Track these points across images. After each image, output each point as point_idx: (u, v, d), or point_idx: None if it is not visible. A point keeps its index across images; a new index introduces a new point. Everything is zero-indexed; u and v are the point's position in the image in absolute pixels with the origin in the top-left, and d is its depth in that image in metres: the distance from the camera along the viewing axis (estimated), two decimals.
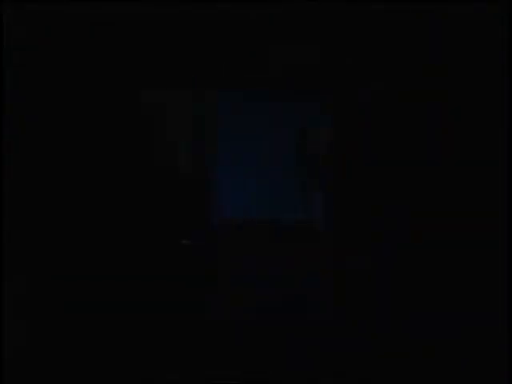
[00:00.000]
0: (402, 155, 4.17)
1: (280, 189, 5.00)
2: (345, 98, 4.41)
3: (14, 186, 3.13)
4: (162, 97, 4.29)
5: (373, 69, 4.26)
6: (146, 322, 2.43)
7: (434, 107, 3.86)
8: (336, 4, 3.87)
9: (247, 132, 4.93)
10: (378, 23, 4.07)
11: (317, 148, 4.76)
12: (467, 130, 3.59)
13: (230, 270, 3.48)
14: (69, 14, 3.56)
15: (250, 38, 4.14)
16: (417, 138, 4.07)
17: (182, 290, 2.99)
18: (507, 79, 3.08)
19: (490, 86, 3.37)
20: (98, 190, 3.77)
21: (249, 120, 4.93)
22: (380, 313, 2.54)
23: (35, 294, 2.72)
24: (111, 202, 3.84)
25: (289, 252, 4.14)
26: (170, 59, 4.03)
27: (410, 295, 2.87)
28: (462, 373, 1.85)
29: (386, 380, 1.81)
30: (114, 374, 1.85)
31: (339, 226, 4.60)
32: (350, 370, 1.88)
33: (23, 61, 3.34)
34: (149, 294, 2.89)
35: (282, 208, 5.00)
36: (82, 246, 3.45)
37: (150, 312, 2.57)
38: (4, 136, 2.96)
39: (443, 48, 3.73)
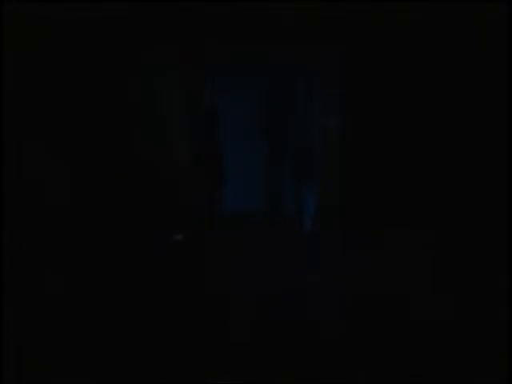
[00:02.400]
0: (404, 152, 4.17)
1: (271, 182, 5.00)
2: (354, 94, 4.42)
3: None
4: (154, 91, 4.28)
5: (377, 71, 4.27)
6: (142, 320, 2.43)
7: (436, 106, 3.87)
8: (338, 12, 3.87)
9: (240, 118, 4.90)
10: (379, 24, 4.08)
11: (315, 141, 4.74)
12: (471, 128, 3.59)
13: (221, 266, 3.48)
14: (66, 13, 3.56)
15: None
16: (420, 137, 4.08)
17: (177, 286, 2.99)
18: (508, 79, 3.08)
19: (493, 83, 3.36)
20: (94, 184, 3.77)
21: (242, 108, 4.90)
22: (375, 309, 2.54)
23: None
24: (105, 196, 3.84)
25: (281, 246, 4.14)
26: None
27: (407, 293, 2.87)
28: (460, 371, 1.85)
29: (386, 377, 1.81)
30: (113, 374, 1.85)
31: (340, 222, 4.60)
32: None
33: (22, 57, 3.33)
34: (146, 290, 2.89)
35: (273, 201, 5.00)
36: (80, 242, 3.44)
37: (147, 309, 2.57)
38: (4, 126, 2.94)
39: (447, 46, 3.73)
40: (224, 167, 4.61)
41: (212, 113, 4.45)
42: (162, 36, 4.01)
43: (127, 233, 3.85)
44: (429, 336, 2.19)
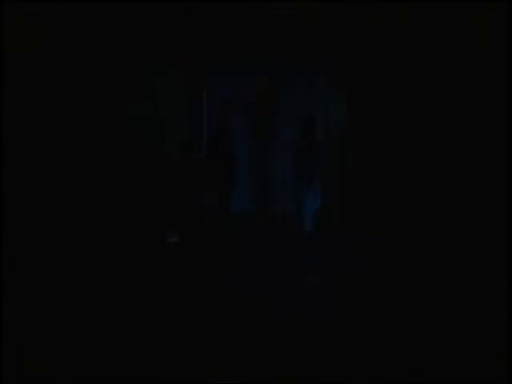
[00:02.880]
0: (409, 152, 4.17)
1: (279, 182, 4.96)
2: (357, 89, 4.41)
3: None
4: (151, 90, 4.27)
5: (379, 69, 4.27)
6: (142, 319, 2.43)
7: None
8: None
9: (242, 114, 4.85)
10: (381, 25, 4.08)
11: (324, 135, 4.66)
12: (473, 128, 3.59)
13: (222, 265, 3.48)
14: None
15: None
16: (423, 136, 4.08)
17: (176, 286, 2.99)
18: (508, 79, 3.08)
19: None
20: (92, 184, 3.77)
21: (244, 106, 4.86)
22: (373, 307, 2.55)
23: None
24: (102, 196, 3.83)
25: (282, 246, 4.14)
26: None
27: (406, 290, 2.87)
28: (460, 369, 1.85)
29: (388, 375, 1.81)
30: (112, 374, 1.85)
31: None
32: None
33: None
34: (146, 290, 2.89)
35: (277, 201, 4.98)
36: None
37: (147, 309, 2.57)
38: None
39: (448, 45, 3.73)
40: (235, 168, 4.59)
41: (224, 114, 4.44)
42: (162, 36, 4.01)
43: (127, 233, 3.85)
44: (429, 336, 2.19)
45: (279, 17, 4.01)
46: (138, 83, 4.03)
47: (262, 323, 2.40)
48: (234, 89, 4.66)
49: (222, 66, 4.44)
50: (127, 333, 2.28)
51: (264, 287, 3.04)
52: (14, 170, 3.14)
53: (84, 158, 3.65)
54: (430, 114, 3.88)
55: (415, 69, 3.94)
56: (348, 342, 2.15)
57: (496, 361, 1.95)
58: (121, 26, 3.82)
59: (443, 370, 1.87)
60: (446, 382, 1.79)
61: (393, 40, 4.04)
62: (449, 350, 2.07)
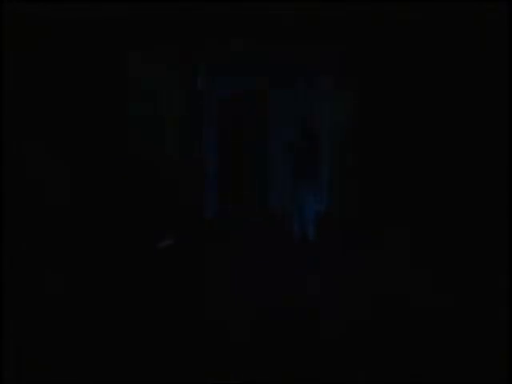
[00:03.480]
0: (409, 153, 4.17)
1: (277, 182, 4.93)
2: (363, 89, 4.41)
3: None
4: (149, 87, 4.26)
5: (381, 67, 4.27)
6: (142, 319, 2.43)
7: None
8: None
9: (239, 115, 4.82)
10: (382, 25, 4.08)
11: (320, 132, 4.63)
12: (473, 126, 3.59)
13: (222, 266, 3.49)
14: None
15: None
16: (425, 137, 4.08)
17: (176, 290, 3.00)
18: (508, 79, 3.08)
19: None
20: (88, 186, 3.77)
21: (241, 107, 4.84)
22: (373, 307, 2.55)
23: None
24: (98, 198, 3.83)
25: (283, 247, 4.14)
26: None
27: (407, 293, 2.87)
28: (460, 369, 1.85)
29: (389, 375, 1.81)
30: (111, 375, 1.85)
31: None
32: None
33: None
34: (146, 290, 2.89)
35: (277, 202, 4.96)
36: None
37: (147, 309, 2.57)
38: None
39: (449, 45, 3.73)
40: (235, 168, 4.59)
41: (224, 114, 4.43)
42: (162, 36, 4.01)
43: (127, 233, 3.85)
44: (429, 336, 2.19)
45: (279, 17, 4.00)
46: (138, 83, 4.03)
47: (261, 323, 2.40)
48: (233, 89, 4.67)
49: (222, 66, 4.44)
50: (127, 332, 2.28)
51: (264, 287, 3.05)
52: (14, 170, 3.14)
53: (84, 158, 3.65)
54: (430, 114, 3.88)
55: (415, 68, 3.95)
56: (348, 342, 2.15)
57: (496, 361, 1.95)
58: (121, 26, 3.82)
59: (443, 370, 1.87)
60: (446, 381, 1.79)
61: (393, 40, 4.04)
62: (449, 350, 2.07)
